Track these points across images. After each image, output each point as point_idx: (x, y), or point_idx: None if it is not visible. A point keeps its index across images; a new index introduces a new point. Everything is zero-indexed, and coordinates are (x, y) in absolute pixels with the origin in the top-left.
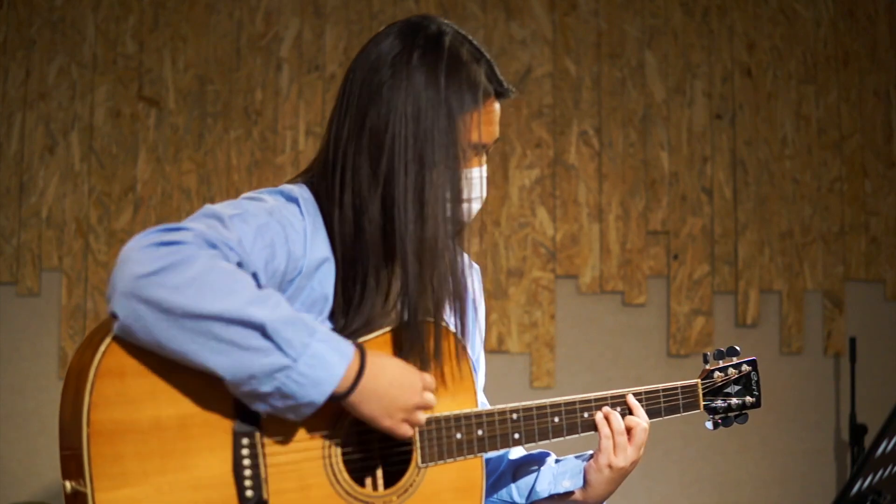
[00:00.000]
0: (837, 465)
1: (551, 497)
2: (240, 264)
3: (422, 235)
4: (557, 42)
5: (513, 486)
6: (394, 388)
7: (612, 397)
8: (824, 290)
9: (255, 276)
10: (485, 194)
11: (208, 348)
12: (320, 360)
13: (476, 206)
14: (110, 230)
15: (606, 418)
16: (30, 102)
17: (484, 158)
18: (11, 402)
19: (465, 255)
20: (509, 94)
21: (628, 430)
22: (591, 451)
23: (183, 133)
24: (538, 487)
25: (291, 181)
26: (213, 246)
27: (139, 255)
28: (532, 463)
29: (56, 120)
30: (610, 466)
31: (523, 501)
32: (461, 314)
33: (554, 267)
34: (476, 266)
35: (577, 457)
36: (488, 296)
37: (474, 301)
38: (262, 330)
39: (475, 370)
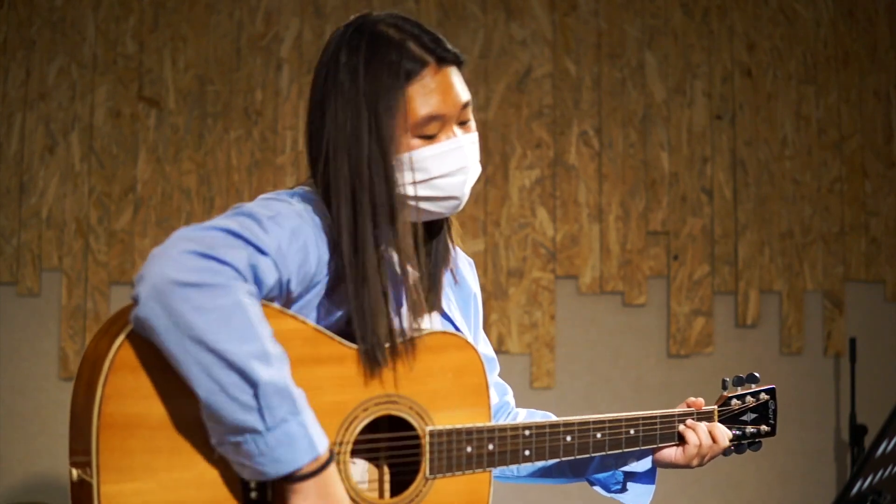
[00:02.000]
0: (837, 465)
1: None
2: (277, 276)
3: (354, 224)
4: (557, 42)
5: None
6: None
7: (627, 419)
8: (824, 291)
9: (288, 282)
10: (467, 164)
11: (197, 377)
12: (290, 441)
13: (455, 180)
14: (110, 230)
15: (694, 429)
16: (30, 102)
17: (456, 126)
18: (11, 402)
19: (458, 249)
20: (456, 57)
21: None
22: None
23: (183, 133)
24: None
25: (303, 184)
26: (256, 278)
27: (182, 258)
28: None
29: (56, 120)
30: (683, 467)
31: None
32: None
33: (554, 267)
34: (470, 259)
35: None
36: (488, 296)
37: (477, 297)
38: (254, 388)
39: (489, 374)
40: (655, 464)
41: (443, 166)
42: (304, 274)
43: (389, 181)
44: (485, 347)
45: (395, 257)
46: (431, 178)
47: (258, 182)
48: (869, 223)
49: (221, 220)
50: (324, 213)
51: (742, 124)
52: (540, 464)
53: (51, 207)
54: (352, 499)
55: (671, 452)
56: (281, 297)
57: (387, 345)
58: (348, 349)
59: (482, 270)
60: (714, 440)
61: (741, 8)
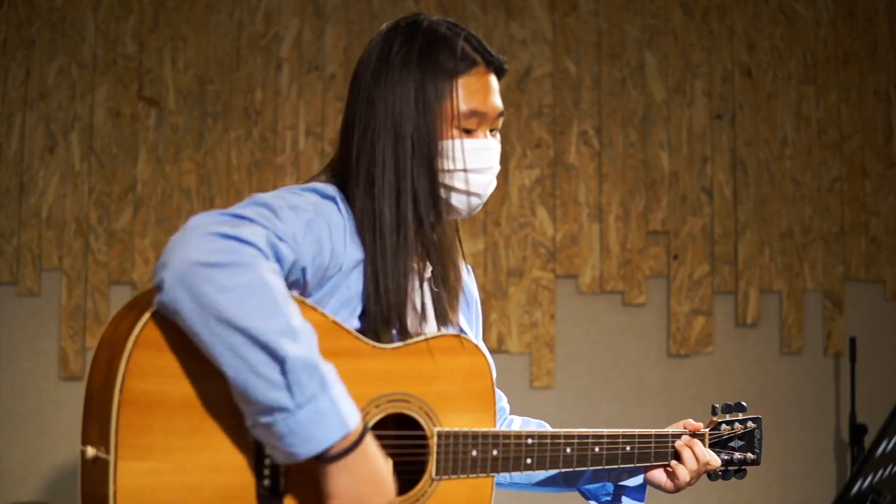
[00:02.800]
0: (837, 465)
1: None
2: (294, 258)
3: (397, 210)
4: (557, 42)
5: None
6: (370, 484)
7: (624, 436)
8: (824, 290)
9: (304, 270)
10: (495, 166)
11: (225, 358)
12: (321, 418)
13: (483, 178)
14: (110, 230)
15: (676, 468)
16: (30, 102)
17: (488, 131)
18: (11, 402)
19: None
20: (501, 64)
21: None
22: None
23: (183, 133)
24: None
25: (314, 180)
26: (277, 256)
27: (202, 240)
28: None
29: (56, 120)
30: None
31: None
32: (449, 298)
33: (554, 267)
34: (468, 266)
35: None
36: (488, 295)
37: (477, 302)
38: (281, 364)
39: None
40: (646, 481)
41: (476, 161)
42: (318, 266)
43: (432, 162)
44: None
45: (429, 251)
46: (464, 171)
47: (258, 182)
48: (869, 223)
49: (237, 209)
50: (341, 206)
51: (742, 124)
52: (535, 473)
53: (51, 207)
54: None
55: (662, 476)
56: (298, 284)
57: (401, 343)
58: (364, 344)
59: (482, 270)
60: (704, 462)
61: (741, 8)
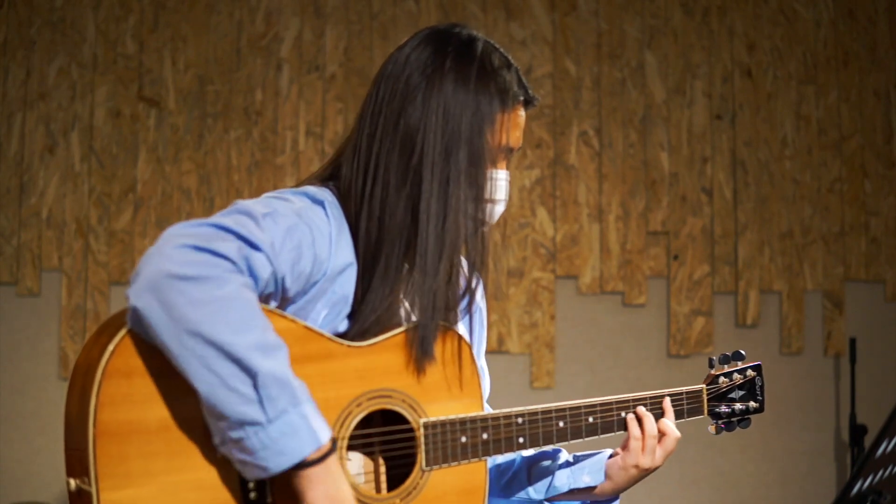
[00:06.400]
0: (837, 465)
1: (570, 492)
2: (271, 270)
3: (442, 230)
4: (557, 42)
5: (530, 487)
6: (331, 499)
7: (618, 402)
8: (824, 291)
9: (283, 279)
10: (507, 198)
11: (196, 372)
12: (293, 432)
13: (499, 209)
14: (110, 230)
15: (640, 420)
16: (30, 102)
17: (507, 164)
18: (11, 402)
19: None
20: (535, 101)
21: (661, 434)
22: (609, 450)
23: (183, 133)
24: (556, 483)
25: (308, 183)
26: (251, 268)
27: (176, 252)
28: (545, 458)
29: (56, 120)
30: (636, 467)
31: (541, 497)
32: (469, 315)
33: (554, 267)
34: (479, 277)
35: (594, 454)
36: (488, 296)
37: (481, 310)
38: (254, 378)
39: (482, 375)
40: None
41: (497, 192)
42: (299, 273)
43: (482, 189)
44: (482, 363)
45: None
46: (487, 200)
47: (258, 182)
48: (869, 223)
49: (216, 217)
50: (329, 211)
51: (742, 124)
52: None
53: (51, 207)
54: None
55: (617, 461)
56: (277, 295)
57: (376, 339)
58: (338, 345)
59: None
60: (662, 433)
61: (741, 8)
